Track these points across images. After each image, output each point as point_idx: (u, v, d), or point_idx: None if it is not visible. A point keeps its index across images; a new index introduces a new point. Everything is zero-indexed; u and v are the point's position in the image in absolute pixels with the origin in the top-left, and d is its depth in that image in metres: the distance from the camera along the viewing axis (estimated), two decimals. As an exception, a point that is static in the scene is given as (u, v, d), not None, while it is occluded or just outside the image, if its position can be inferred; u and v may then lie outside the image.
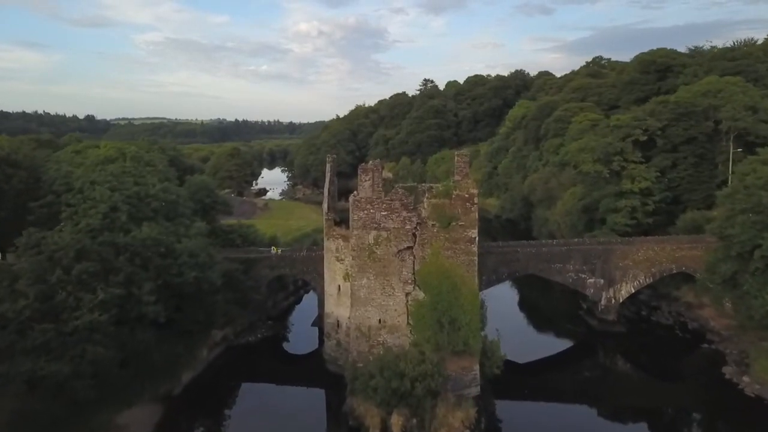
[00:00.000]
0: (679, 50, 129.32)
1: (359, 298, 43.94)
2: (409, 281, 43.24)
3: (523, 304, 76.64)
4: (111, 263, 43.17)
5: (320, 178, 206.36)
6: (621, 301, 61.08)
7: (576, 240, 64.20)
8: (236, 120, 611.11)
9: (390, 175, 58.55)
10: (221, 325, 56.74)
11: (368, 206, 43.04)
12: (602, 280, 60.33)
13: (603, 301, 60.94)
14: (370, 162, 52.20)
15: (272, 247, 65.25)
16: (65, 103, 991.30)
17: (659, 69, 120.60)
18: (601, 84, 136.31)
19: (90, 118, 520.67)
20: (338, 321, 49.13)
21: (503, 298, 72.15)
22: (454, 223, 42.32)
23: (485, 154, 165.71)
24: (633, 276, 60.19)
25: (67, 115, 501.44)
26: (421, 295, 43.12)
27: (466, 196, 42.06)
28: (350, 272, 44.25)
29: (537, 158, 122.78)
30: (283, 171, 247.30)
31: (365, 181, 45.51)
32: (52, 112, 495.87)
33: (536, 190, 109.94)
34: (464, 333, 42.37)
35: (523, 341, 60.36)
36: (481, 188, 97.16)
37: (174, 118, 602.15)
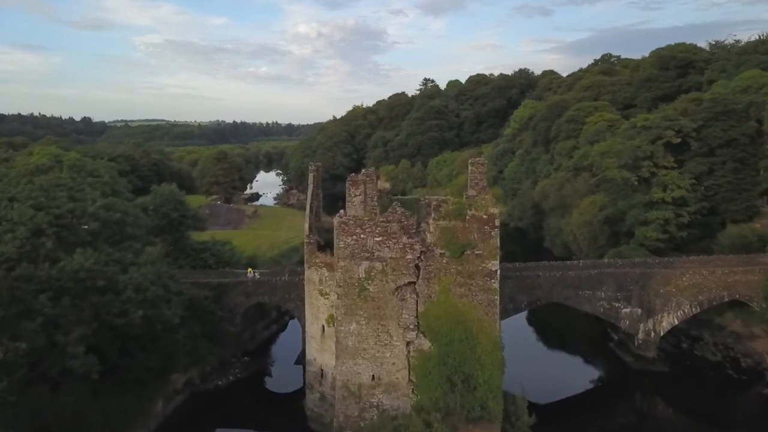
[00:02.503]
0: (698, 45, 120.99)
1: (346, 349, 34.31)
2: (411, 327, 33.67)
3: (536, 326, 66.86)
4: (29, 304, 33.58)
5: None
6: (662, 334, 51.54)
7: (606, 261, 54.66)
8: (234, 122, 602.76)
9: (388, 185, 49.05)
10: (184, 367, 47.08)
11: (358, 230, 33.47)
12: (639, 310, 50.77)
13: (640, 335, 51.37)
14: (363, 171, 42.70)
15: (249, 270, 55.61)
16: (64, 105, 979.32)
17: (679, 65, 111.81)
18: (615, 82, 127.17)
19: (87, 120, 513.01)
20: (322, 370, 39.50)
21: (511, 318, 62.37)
22: (468, 252, 32.77)
23: (490, 156, 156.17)
24: (676, 305, 50.62)
25: (64, 117, 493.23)
26: (426, 344, 33.56)
27: (485, 216, 32.51)
28: (335, 315, 34.61)
29: (548, 162, 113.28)
30: (277, 174, 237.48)
31: (355, 196, 36.12)
32: (53, 115, 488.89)
33: (549, 197, 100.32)
34: (482, 393, 32.88)
35: (541, 376, 50.83)
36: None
37: (173, 120, 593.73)
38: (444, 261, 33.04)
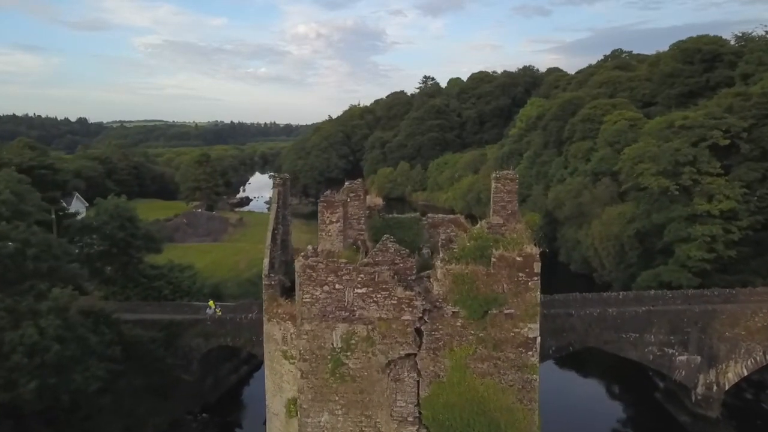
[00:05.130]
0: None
1: (316, 450, 23.66)
2: (410, 419, 22.99)
3: (557, 361, 56.07)
4: None
5: (310, 186, 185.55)
6: (726, 388, 40.99)
7: (653, 293, 43.95)
8: (232, 122, 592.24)
9: (380, 200, 38.23)
10: (118, 436, 36.56)
11: (331, 277, 22.79)
12: (699, 358, 40.28)
13: (700, 388, 40.83)
14: (346, 184, 31.97)
15: (210, 303, 45.01)
16: (63, 106, 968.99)
17: (705, 58, 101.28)
18: (632, 77, 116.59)
19: (82, 121, 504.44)
20: (289, 459, 28.87)
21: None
22: (495, 311, 22.13)
23: (494, 159, 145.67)
24: (747, 351, 40.06)
25: (60, 118, 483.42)
26: (431, 444, 22.93)
27: (519, 259, 21.85)
28: (299, 400, 23.94)
29: (561, 165, 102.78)
30: (270, 177, 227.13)
31: (331, 223, 25.52)
32: (51, 115, 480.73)
33: (564, 205, 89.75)
34: None
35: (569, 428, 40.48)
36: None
37: (171, 121, 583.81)
38: (458, 324, 22.38)
